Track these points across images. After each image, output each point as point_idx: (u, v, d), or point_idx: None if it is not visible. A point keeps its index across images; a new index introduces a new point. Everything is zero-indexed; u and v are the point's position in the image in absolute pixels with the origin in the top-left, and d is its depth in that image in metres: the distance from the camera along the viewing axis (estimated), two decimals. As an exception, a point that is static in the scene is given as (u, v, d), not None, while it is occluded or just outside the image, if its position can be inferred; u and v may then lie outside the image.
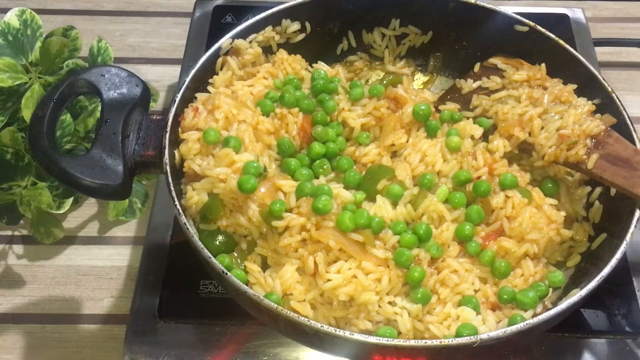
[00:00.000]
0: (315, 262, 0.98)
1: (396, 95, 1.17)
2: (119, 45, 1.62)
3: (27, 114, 1.24)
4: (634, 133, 1.09)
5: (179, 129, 1.10)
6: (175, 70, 1.47)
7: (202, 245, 0.96)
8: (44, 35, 1.33)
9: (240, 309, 1.06)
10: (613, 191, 1.10)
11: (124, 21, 1.69)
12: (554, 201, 1.10)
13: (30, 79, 1.27)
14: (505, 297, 1.01)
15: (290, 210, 1.02)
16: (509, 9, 1.25)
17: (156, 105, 1.43)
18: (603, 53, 1.57)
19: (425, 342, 0.90)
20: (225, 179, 1.03)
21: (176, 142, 1.09)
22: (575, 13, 1.56)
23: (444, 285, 1.01)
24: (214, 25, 1.53)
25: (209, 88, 1.16)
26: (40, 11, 1.37)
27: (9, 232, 1.33)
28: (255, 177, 1.02)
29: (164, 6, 1.72)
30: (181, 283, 1.14)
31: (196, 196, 1.05)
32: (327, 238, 0.98)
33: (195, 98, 1.14)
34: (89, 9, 1.71)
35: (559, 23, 1.50)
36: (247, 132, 1.09)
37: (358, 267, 0.98)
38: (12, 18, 1.31)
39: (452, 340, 0.90)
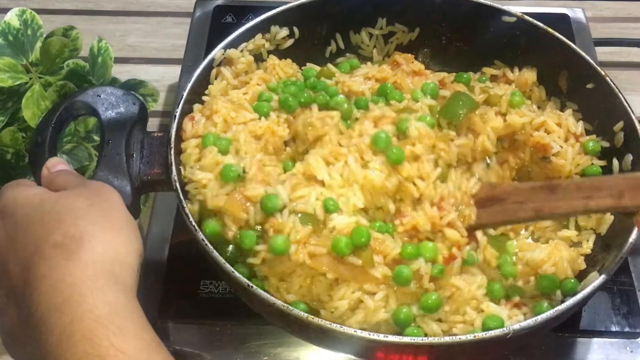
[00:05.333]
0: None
1: (398, 60, 1.20)
2: (119, 45, 1.62)
3: (27, 114, 1.24)
4: (635, 122, 1.10)
5: (182, 144, 1.09)
6: (176, 70, 1.47)
7: (223, 260, 0.94)
8: (44, 35, 1.33)
9: (239, 309, 1.06)
10: (616, 171, 1.11)
11: (124, 21, 1.69)
12: None
13: (30, 79, 1.27)
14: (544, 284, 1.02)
15: (262, 224, 0.98)
16: (509, 9, 1.25)
17: (156, 106, 1.43)
18: (603, 53, 1.57)
19: (460, 338, 0.89)
20: (206, 185, 1.01)
21: (180, 158, 1.08)
22: (576, 13, 1.56)
23: (451, 299, 0.99)
24: (214, 25, 1.53)
25: (205, 98, 1.16)
26: (40, 11, 1.37)
27: (9, 232, 1.33)
28: (233, 181, 1.00)
29: (164, 6, 1.73)
30: (181, 283, 1.14)
31: (192, 205, 1.03)
32: (322, 268, 0.95)
33: (192, 110, 1.14)
34: (89, 9, 1.71)
35: (559, 23, 1.51)
36: (243, 132, 1.08)
37: (361, 290, 0.96)
38: (12, 18, 1.32)
39: (486, 334, 0.89)
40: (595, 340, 1.10)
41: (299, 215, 0.97)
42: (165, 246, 1.20)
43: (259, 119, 1.12)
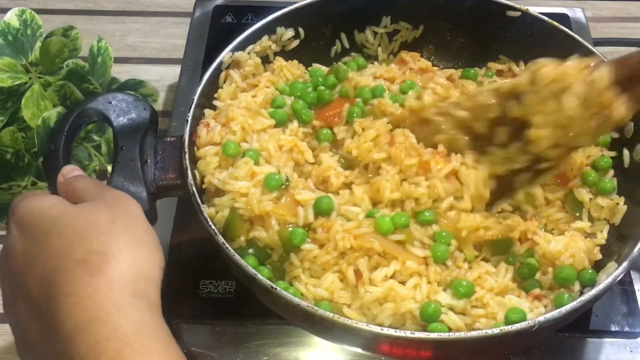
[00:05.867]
0: (358, 270, 0.97)
1: (404, 58, 1.21)
2: (119, 45, 1.61)
3: (27, 113, 1.24)
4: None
5: (195, 148, 1.09)
6: (175, 70, 1.46)
7: (245, 264, 0.94)
8: (44, 35, 1.34)
9: (239, 309, 1.07)
10: (627, 161, 1.11)
11: (124, 21, 1.69)
12: None
13: (30, 79, 1.27)
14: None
15: (309, 225, 1.01)
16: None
17: (156, 106, 1.43)
18: (603, 53, 1.55)
19: (486, 332, 0.89)
20: (246, 193, 1.01)
21: (194, 161, 1.08)
22: (575, 13, 1.57)
23: (479, 285, 1.00)
24: (214, 25, 1.52)
25: (215, 102, 1.16)
26: (40, 11, 1.37)
27: (9, 233, 1.32)
28: (277, 189, 1.01)
29: (164, 6, 1.73)
30: (181, 283, 1.13)
31: (219, 213, 1.03)
32: (370, 242, 0.97)
33: (204, 115, 1.14)
34: (89, 9, 1.71)
35: (559, 23, 1.51)
36: (270, 142, 1.08)
37: (398, 272, 0.98)
38: (12, 18, 1.32)
39: (512, 327, 0.89)
40: (595, 340, 1.09)
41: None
42: (165, 246, 1.18)
43: (283, 131, 1.13)
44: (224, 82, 1.18)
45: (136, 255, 0.85)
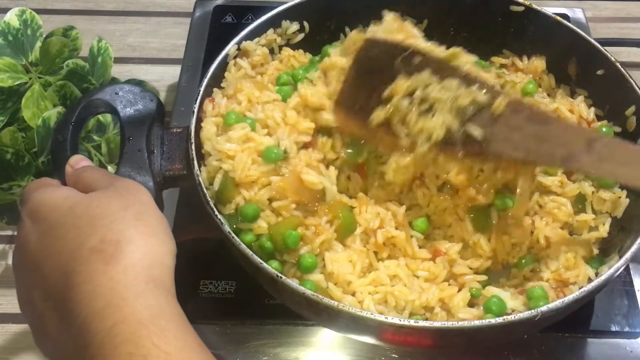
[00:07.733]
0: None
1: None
2: (119, 45, 1.62)
3: (27, 113, 1.23)
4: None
5: (201, 124, 1.09)
6: (176, 70, 1.47)
7: (251, 253, 0.94)
8: (44, 35, 1.33)
9: (239, 309, 1.08)
10: None
11: (124, 21, 1.69)
12: None
13: (30, 79, 1.26)
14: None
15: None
16: (515, 1, 1.26)
17: (156, 105, 1.43)
18: (603, 53, 1.57)
19: (489, 322, 0.89)
20: (233, 156, 1.01)
21: (200, 152, 1.07)
22: (575, 13, 1.57)
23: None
24: (214, 25, 1.53)
25: (223, 84, 1.15)
26: (40, 11, 1.36)
27: (9, 232, 1.32)
28: (274, 162, 1.01)
29: (164, 6, 1.73)
30: (181, 283, 1.11)
31: (215, 178, 1.03)
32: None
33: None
34: (89, 9, 1.71)
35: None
36: (276, 111, 1.07)
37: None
38: (12, 18, 1.31)
39: (515, 316, 0.89)
40: (595, 340, 1.10)
41: None
42: (165, 246, 1.18)
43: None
44: (233, 68, 1.18)
45: (149, 243, 0.86)
